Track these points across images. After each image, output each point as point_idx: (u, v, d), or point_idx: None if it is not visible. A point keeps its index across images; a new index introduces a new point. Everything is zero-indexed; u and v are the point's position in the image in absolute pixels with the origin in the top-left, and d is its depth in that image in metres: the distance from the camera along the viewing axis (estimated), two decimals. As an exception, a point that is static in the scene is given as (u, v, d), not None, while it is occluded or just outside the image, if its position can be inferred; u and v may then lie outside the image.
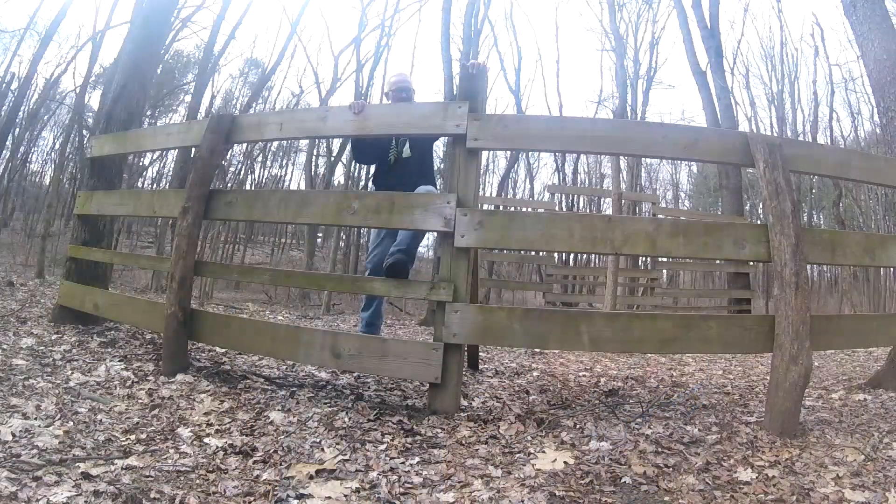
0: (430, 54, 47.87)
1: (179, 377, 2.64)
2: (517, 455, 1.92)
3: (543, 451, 1.94)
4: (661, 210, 12.07)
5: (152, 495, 1.48)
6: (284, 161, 26.32)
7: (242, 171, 22.67)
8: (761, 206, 15.18)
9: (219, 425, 2.09)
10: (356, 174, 15.24)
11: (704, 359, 5.20)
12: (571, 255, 16.53)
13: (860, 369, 4.52)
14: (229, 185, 18.90)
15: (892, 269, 12.35)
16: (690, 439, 2.11)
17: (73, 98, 16.67)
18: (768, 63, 19.34)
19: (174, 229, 3.12)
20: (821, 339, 2.38)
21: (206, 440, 1.92)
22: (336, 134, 4.70)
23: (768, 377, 2.45)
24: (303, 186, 18.01)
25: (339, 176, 18.28)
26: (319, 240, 19.55)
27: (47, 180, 20.50)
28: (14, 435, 1.75)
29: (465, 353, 3.30)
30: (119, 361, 2.88)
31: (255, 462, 1.78)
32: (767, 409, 2.25)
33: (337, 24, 43.95)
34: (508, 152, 17.61)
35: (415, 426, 2.17)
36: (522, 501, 1.58)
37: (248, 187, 22.13)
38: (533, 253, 8.94)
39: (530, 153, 20.71)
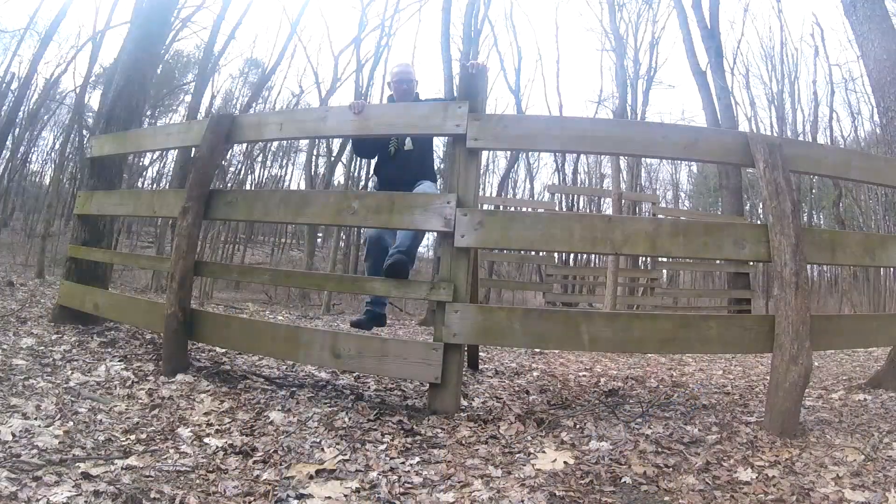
0: (430, 54, 47.88)
1: (179, 377, 2.64)
2: (517, 455, 1.92)
3: (543, 451, 1.94)
4: (661, 210, 12.07)
5: (152, 495, 1.48)
6: (284, 161, 26.33)
7: (242, 171, 22.68)
8: (761, 206, 15.18)
9: (219, 425, 2.09)
10: (356, 174, 15.27)
11: (704, 359, 5.20)
12: (571, 255, 16.53)
13: (860, 369, 4.52)
14: (229, 185, 18.90)
15: (892, 269, 12.36)
16: (690, 439, 2.11)
17: (73, 98, 16.68)
18: (768, 63, 19.35)
19: (174, 229, 3.12)
20: (821, 339, 2.38)
21: (206, 440, 1.92)
22: (336, 134, 4.71)
23: (768, 377, 2.45)
24: (303, 186, 18.01)
25: (339, 176, 18.30)
26: (319, 240, 19.55)
27: (47, 180, 20.51)
28: (14, 435, 1.75)
29: (465, 353, 3.30)
30: (119, 361, 2.88)
31: (255, 462, 1.78)
32: (767, 409, 2.25)
33: (337, 24, 43.96)
34: (508, 152, 17.62)
35: (415, 426, 2.17)
36: (522, 501, 1.58)
37: (248, 187, 22.13)
38: (533, 253, 8.94)
39: (530, 153, 20.70)
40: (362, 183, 16.10)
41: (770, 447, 2.03)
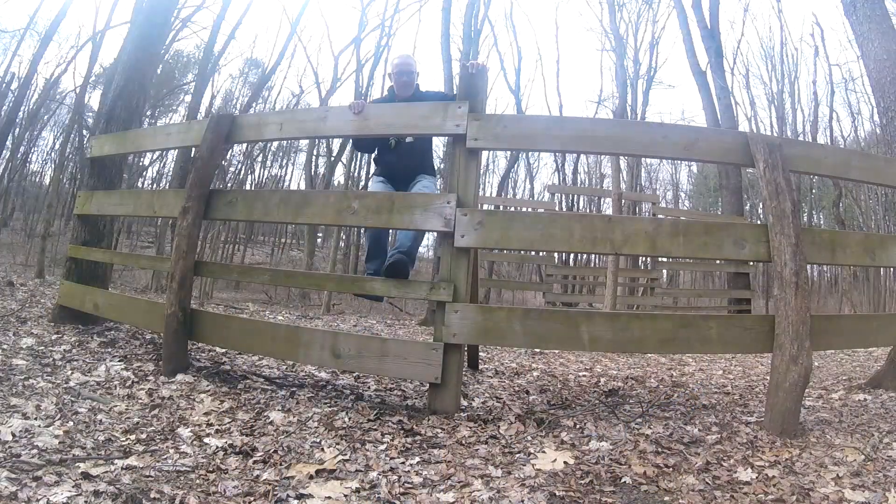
0: (430, 54, 47.90)
1: (179, 377, 2.64)
2: (517, 455, 1.92)
3: (543, 451, 1.94)
4: (661, 210, 12.06)
5: (152, 495, 1.48)
6: (284, 161, 26.34)
7: (242, 171, 22.70)
8: (761, 206, 15.18)
9: (219, 425, 2.09)
10: (356, 174, 15.27)
11: (704, 359, 5.20)
12: (571, 255, 16.53)
13: (860, 369, 4.52)
14: (229, 185, 18.92)
15: (892, 268, 12.36)
16: (690, 439, 2.11)
17: (73, 98, 16.69)
18: (768, 63, 19.36)
19: (174, 229, 3.12)
20: (821, 339, 2.38)
21: (206, 440, 1.92)
22: (336, 134, 4.70)
23: (768, 377, 2.45)
24: (303, 186, 18.01)
25: (339, 176, 18.31)
26: (319, 240, 19.56)
27: (47, 180, 20.52)
28: (14, 435, 1.75)
29: (465, 353, 3.30)
30: (119, 361, 2.88)
31: (255, 462, 1.78)
32: (767, 409, 2.25)
33: (337, 24, 43.92)
34: (508, 152, 17.63)
35: (415, 426, 2.17)
36: (522, 501, 1.58)
37: (248, 187, 22.14)
38: (533, 253, 8.94)
39: (530, 153, 20.70)
40: (362, 183, 16.11)
41: (770, 447, 2.03)
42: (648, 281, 9.41)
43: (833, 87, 17.04)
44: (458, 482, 1.69)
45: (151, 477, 1.59)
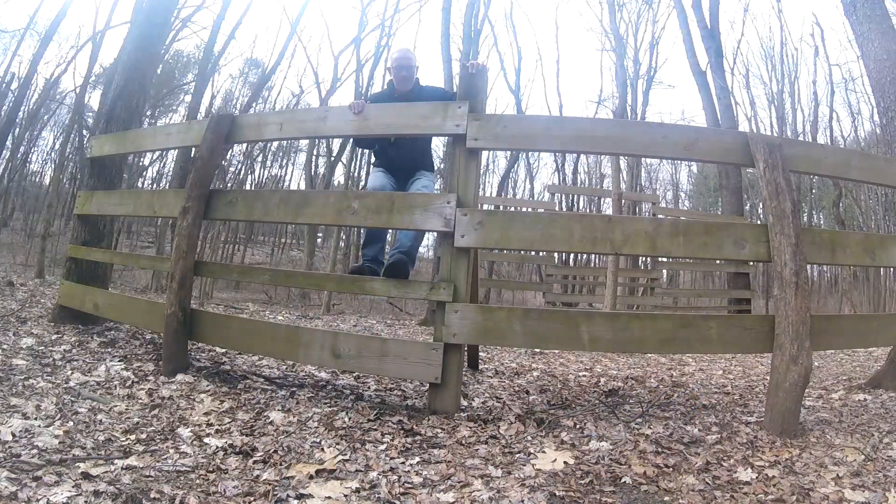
0: (430, 54, 47.85)
1: (179, 377, 2.64)
2: (517, 455, 1.92)
3: (543, 451, 1.94)
4: (661, 210, 12.06)
5: (152, 495, 1.48)
6: (284, 161, 26.34)
7: (242, 171, 22.70)
8: (761, 206, 15.18)
9: (219, 425, 2.09)
10: (356, 174, 15.27)
11: (704, 359, 5.20)
12: (571, 255, 16.53)
13: (860, 369, 4.52)
14: (229, 185, 18.92)
15: (892, 268, 12.36)
16: (690, 439, 2.11)
17: (73, 98, 16.69)
18: (768, 63, 19.35)
19: (174, 229, 3.12)
20: (821, 339, 2.38)
21: (206, 440, 1.92)
22: (336, 134, 4.70)
23: (768, 377, 2.45)
24: (303, 186, 18.01)
25: (339, 176, 18.31)
26: (319, 240, 19.56)
27: (47, 180, 20.52)
28: (14, 435, 1.75)
29: (465, 353, 3.30)
30: (119, 361, 2.88)
31: (255, 462, 1.78)
32: (767, 409, 2.25)
33: (337, 24, 43.92)
34: (508, 152, 17.63)
35: (415, 426, 2.17)
36: (522, 501, 1.58)
37: (248, 187, 22.14)
38: (533, 253, 8.94)
39: (530, 153, 20.70)
40: (362, 183, 16.10)
41: (770, 447, 2.03)
42: (648, 281, 9.41)
43: (833, 87, 17.05)
44: (458, 482, 1.69)
45: (151, 477, 1.59)
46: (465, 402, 2.61)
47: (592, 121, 4.66)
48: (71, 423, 1.95)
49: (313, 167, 18.61)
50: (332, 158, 16.23)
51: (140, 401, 2.32)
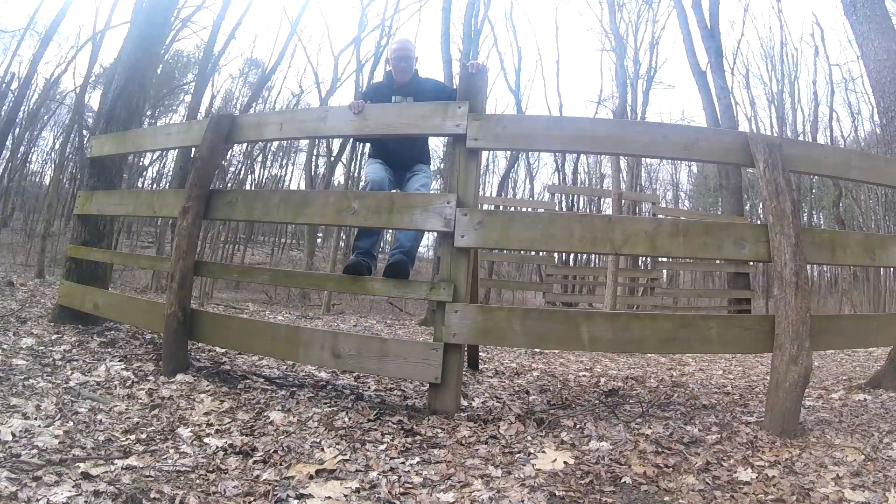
0: (430, 54, 47.84)
1: (179, 377, 2.64)
2: (517, 455, 1.92)
3: (543, 451, 1.94)
4: (661, 210, 12.06)
5: (152, 495, 1.48)
6: (284, 161, 26.35)
7: (242, 171, 22.70)
8: (761, 206, 15.18)
9: (219, 425, 2.09)
10: (356, 174, 15.25)
11: (704, 359, 5.20)
12: (571, 255, 16.53)
13: (860, 369, 4.52)
14: (229, 185, 18.92)
15: (892, 268, 12.36)
16: (690, 439, 2.11)
17: (73, 98, 16.70)
18: (768, 63, 19.37)
19: (174, 229, 3.12)
20: (821, 339, 2.38)
21: (206, 440, 1.92)
22: (336, 134, 4.71)
23: (768, 377, 2.45)
24: (303, 186, 18.01)
25: (339, 176, 18.32)
26: (319, 240, 19.56)
27: (47, 180, 20.50)
28: (14, 435, 1.75)
29: (465, 353, 3.30)
30: (119, 361, 2.88)
31: (255, 462, 1.78)
32: (767, 409, 2.25)
33: (337, 24, 43.92)
34: (508, 152, 17.63)
35: (415, 426, 2.17)
36: (522, 501, 1.58)
37: (248, 187, 22.14)
38: (533, 253, 8.94)
39: (530, 153, 20.71)
40: (362, 183, 16.08)
41: (770, 447, 2.03)
42: (648, 281, 9.41)
43: (833, 87, 17.06)
44: (458, 482, 1.69)
45: (151, 477, 1.59)
46: (465, 402, 2.61)
47: (592, 121, 4.66)
48: (71, 423, 1.95)
49: (313, 167, 18.62)
50: (332, 158, 16.23)
51: (140, 401, 2.32)
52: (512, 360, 4.44)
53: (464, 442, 2.03)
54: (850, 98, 17.55)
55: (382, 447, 1.95)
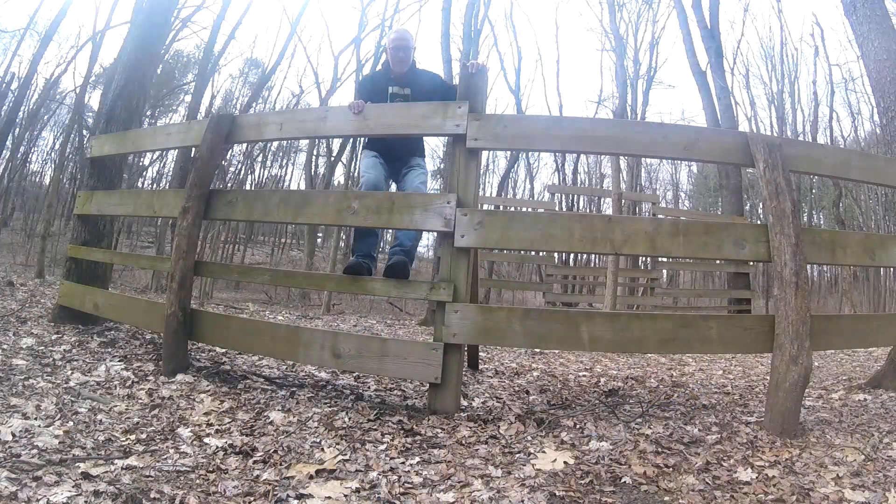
0: (430, 54, 47.85)
1: (179, 377, 2.64)
2: (517, 455, 1.92)
3: (543, 451, 1.94)
4: (661, 210, 12.06)
5: (152, 495, 1.48)
6: (284, 161, 26.35)
7: (242, 171, 22.71)
8: (761, 206, 15.18)
9: (219, 425, 2.09)
10: (356, 174, 15.25)
11: (704, 359, 5.20)
12: (571, 255, 16.53)
13: (860, 369, 4.52)
14: (229, 185, 18.92)
15: (892, 268, 12.36)
16: (690, 439, 2.11)
17: (73, 98, 16.70)
18: (768, 63, 19.37)
19: (174, 229, 3.12)
20: (821, 339, 2.38)
21: (206, 440, 1.92)
22: (336, 134, 4.71)
23: (768, 377, 2.45)
24: (303, 186, 18.01)
25: (339, 176, 18.31)
26: (319, 240, 19.56)
27: (47, 180, 20.50)
28: (14, 435, 1.75)
29: (465, 353, 3.30)
30: (119, 361, 2.88)
31: (255, 462, 1.78)
32: (767, 409, 2.25)
33: (337, 24, 43.95)
34: (508, 152, 17.63)
35: (415, 426, 2.17)
36: (522, 501, 1.58)
37: (248, 187, 22.14)
38: (533, 253, 8.94)
39: (530, 153, 20.71)
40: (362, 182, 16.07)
41: (770, 447, 2.03)
42: (648, 281, 9.41)
43: (833, 87, 17.07)
44: (458, 482, 1.69)
45: (151, 477, 1.59)
46: (465, 402, 2.61)
47: (592, 121, 4.66)
48: (71, 423, 1.95)
49: (313, 167, 18.62)
50: (332, 158, 16.23)
51: (140, 401, 2.32)
52: (512, 360, 4.44)
53: (464, 442, 2.03)
54: (850, 98, 17.58)
55: (382, 447, 1.95)
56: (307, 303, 11.63)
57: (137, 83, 4.37)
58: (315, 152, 18.28)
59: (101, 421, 2.03)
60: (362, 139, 3.66)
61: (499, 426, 2.21)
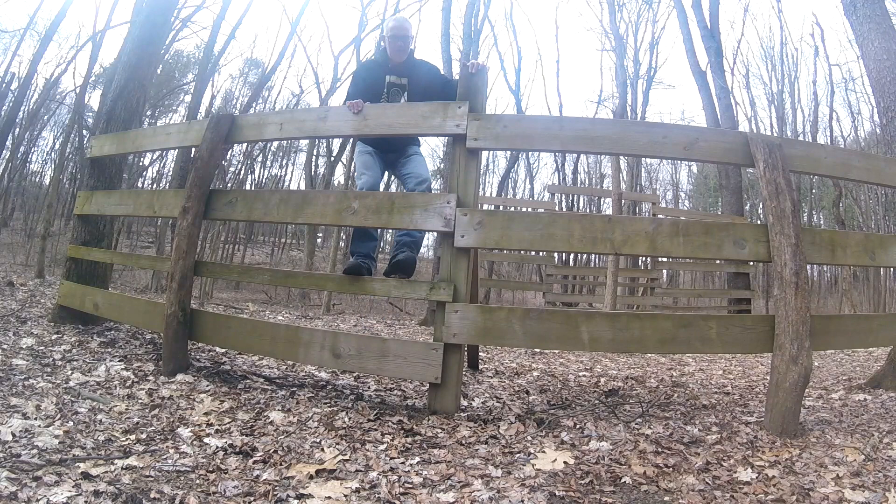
0: (430, 54, 47.86)
1: (179, 377, 2.64)
2: (517, 455, 1.92)
3: (543, 451, 1.94)
4: (661, 210, 12.06)
5: (152, 495, 1.48)
6: (284, 161, 26.37)
7: (242, 171, 22.71)
8: (761, 206, 15.18)
9: (219, 425, 2.09)
10: (356, 174, 15.27)
11: (704, 359, 5.20)
12: (571, 255, 16.54)
13: (860, 369, 4.52)
14: (229, 185, 18.92)
15: (892, 268, 12.35)
16: (690, 439, 2.11)
17: (73, 98, 16.70)
18: (768, 63, 19.39)
19: (174, 229, 3.12)
20: (821, 339, 2.38)
21: (206, 440, 1.92)
22: (336, 134, 4.70)
23: (768, 377, 2.45)
24: (303, 186, 18.01)
25: (339, 176, 18.31)
26: (319, 240, 19.56)
27: (47, 180, 20.50)
28: (14, 435, 1.75)
29: (465, 353, 3.30)
30: (119, 361, 2.88)
31: (255, 462, 1.78)
32: (767, 409, 2.25)
33: (337, 24, 44.05)
34: (508, 152, 17.64)
35: (415, 426, 2.17)
36: (522, 501, 1.58)
37: (248, 187, 22.15)
38: (533, 253, 8.94)
39: (530, 153, 20.72)
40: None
41: (770, 447, 2.03)
42: (648, 281, 9.42)
43: (833, 87, 17.09)
44: (458, 482, 1.69)
45: (151, 477, 1.59)
46: (465, 402, 2.61)
47: (592, 121, 4.65)
48: (71, 423, 1.95)
49: (313, 167, 18.61)
50: (332, 158, 16.23)
51: (140, 401, 2.32)
52: (512, 360, 4.44)
53: (464, 442, 2.03)
54: (850, 98, 17.61)
55: (382, 447, 1.95)
56: (307, 303, 11.64)
57: (138, 83, 4.37)
58: (315, 152, 18.29)
59: (101, 421, 2.03)
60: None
61: (499, 426, 2.22)
